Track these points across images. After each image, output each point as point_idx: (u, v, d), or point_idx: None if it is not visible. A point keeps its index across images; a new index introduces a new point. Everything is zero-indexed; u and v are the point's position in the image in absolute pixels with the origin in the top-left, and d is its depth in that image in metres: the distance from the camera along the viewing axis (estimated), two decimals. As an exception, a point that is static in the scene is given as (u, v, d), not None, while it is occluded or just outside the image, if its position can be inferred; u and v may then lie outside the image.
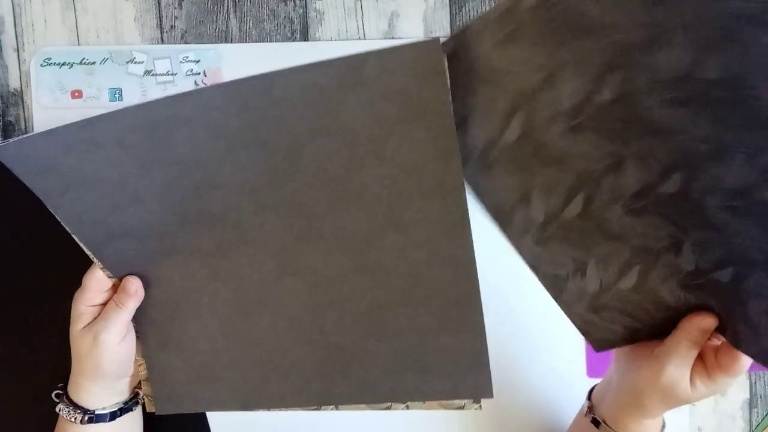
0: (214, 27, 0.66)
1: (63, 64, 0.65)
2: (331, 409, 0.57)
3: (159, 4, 0.65)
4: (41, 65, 0.65)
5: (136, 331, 0.56)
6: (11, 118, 0.65)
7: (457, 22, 0.65)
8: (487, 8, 0.65)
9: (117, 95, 0.65)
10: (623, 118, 0.42)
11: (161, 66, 0.65)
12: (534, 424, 0.65)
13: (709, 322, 0.48)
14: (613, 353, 0.55)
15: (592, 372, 0.65)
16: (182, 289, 0.54)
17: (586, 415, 0.55)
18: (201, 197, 0.50)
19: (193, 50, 0.65)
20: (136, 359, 0.56)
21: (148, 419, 0.60)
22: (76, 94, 0.65)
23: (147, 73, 0.65)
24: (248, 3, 0.65)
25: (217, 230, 0.52)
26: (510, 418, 0.65)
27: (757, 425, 0.66)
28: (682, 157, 0.41)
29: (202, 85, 0.65)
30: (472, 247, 0.49)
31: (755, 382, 0.66)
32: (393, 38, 0.65)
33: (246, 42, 0.66)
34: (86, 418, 0.54)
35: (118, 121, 0.47)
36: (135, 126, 0.48)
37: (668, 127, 0.41)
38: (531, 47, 0.42)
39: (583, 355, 0.65)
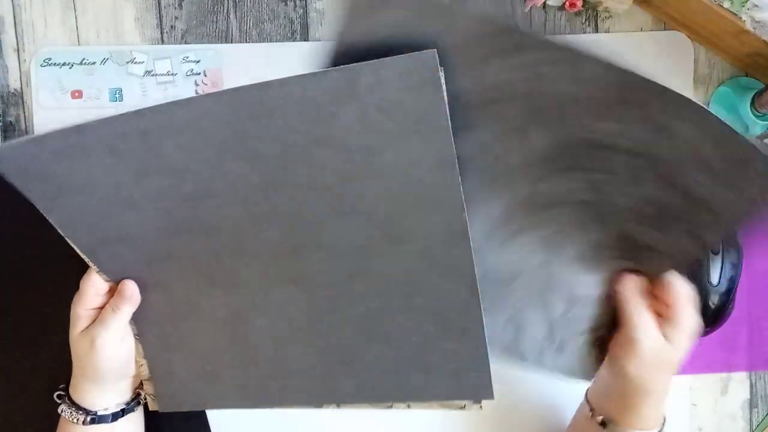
0: (214, 27, 0.66)
1: (63, 64, 0.65)
2: (333, 407, 0.57)
3: (159, 4, 0.65)
4: (41, 65, 0.65)
5: (137, 333, 0.56)
6: (11, 119, 0.65)
7: (457, 22, 0.65)
8: (487, 8, 0.65)
9: (117, 95, 0.65)
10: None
11: (161, 66, 0.65)
12: (534, 424, 0.65)
13: (631, 278, 0.51)
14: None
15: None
16: (181, 294, 0.54)
17: (591, 418, 0.55)
18: (195, 206, 0.50)
19: (193, 50, 0.65)
20: (136, 360, 0.56)
21: (149, 419, 0.60)
22: (76, 94, 0.65)
23: (147, 73, 0.65)
24: (248, 3, 0.65)
25: (213, 239, 0.51)
26: (510, 418, 0.65)
27: (757, 425, 0.66)
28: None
29: (202, 86, 0.65)
30: (472, 257, 0.49)
31: (755, 382, 0.66)
32: (393, 38, 0.65)
33: (246, 42, 0.66)
34: (88, 419, 0.54)
35: (108, 128, 0.47)
36: (125, 133, 0.47)
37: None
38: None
39: (583, 355, 0.65)
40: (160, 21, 0.65)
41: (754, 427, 0.66)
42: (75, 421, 0.54)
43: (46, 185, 0.49)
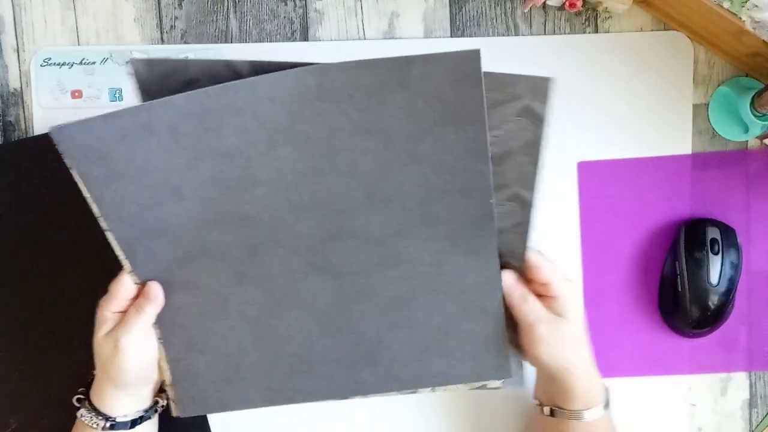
0: (214, 27, 0.66)
1: (63, 64, 0.65)
2: (359, 398, 0.58)
3: (159, 4, 0.65)
4: (41, 65, 0.65)
5: (161, 337, 0.55)
6: (11, 118, 0.65)
7: (457, 23, 0.65)
8: (487, 8, 0.65)
9: (117, 95, 0.65)
10: None
11: (161, 66, 0.65)
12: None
13: (506, 272, 0.54)
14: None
15: (592, 372, 0.65)
16: (209, 293, 0.55)
17: (542, 413, 0.57)
18: (238, 196, 0.51)
19: (193, 50, 0.65)
20: (160, 365, 0.56)
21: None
22: (76, 94, 0.65)
23: (147, 73, 0.65)
24: (248, 3, 0.65)
25: (250, 230, 0.53)
26: (511, 419, 0.65)
27: (757, 425, 0.66)
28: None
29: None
30: (495, 238, 0.53)
31: (755, 382, 0.66)
32: (393, 38, 0.65)
33: (246, 42, 0.66)
34: (108, 424, 0.54)
35: (175, 107, 0.48)
36: (190, 112, 0.48)
37: None
38: None
39: (583, 355, 0.65)
40: (160, 21, 0.65)
41: (753, 427, 0.66)
42: (94, 426, 0.54)
43: (104, 168, 0.50)
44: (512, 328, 0.55)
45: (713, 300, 0.62)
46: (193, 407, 0.58)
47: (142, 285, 0.54)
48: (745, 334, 0.66)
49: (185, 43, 0.65)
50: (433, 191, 0.51)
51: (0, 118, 0.65)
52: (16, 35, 0.65)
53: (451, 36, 0.65)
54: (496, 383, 0.57)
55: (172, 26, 0.66)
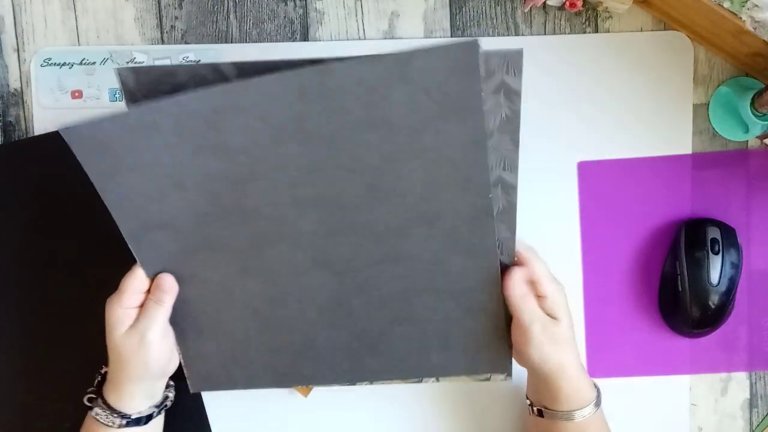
0: (214, 27, 0.66)
1: (63, 64, 0.65)
2: (366, 384, 0.60)
3: (159, 4, 0.65)
4: (41, 65, 0.65)
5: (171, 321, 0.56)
6: (11, 119, 0.65)
7: (457, 22, 0.65)
8: (487, 8, 0.65)
9: (117, 95, 0.65)
10: None
11: (161, 66, 0.65)
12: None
13: (513, 269, 0.54)
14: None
15: (592, 372, 0.65)
16: (214, 285, 0.56)
17: (531, 413, 0.58)
18: (241, 190, 0.52)
19: (193, 50, 0.65)
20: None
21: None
22: (76, 94, 0.65)
23: (147, 73, 0.65)
24: (248, 3, 0.65)
25: (251, 225, 0.53)
26: (510, 419, 0.65)
27: (757, 425, 0.66)
28: None
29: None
30: (495, 237, 0.53)
31: (755, 382, 0.66)
32: (393, 38, 0.65)
33: (246, 42, 0.66)
34: (124, 422, 0.55)
35: (181, 107, 0.49)
36: (195, 111, 0.49)
37: None
38: None
39: (583, 355, 0.65)
40: (160, 21, 0.65)
41: (754, 427, 0.66)
42: (110, 424, 0.54)
43: (109, 161, 0.50)
44: (506, 325, 0.56)
45: (713, 300, 0.62)
46: (203, 384, 0.60)
47: (151, 280, 0.55)
48: (745, 334, 0.66)
49: (185, 43, 0.65)
50: (433, 186, 0.52)
51: (0, 118, 0.65)
52: (16, 35, 0.65)
53: (451, 36, 0.65)
54: (500, 376, 0.59)
55: (172, 26, 0.66)
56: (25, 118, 0.65)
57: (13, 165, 0.63)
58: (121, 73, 0.49)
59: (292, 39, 0.66)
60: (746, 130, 0.65)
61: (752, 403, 0.66)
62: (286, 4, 0.65)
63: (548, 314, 0.54)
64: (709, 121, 0.65)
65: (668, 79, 0.65)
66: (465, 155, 0.50)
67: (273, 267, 0.55)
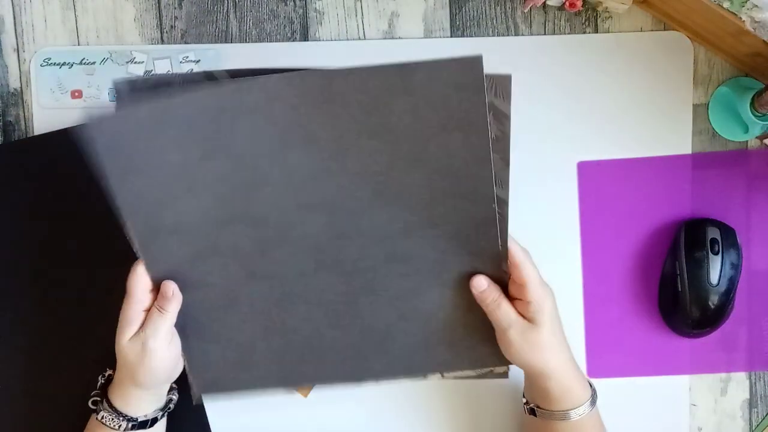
0: (214, 27, 0.66)
1: (63, 64, 0.65)
2: (371, 382, 0.61)
3: (159, 4, 0.65)
4: (41, 65, 0.65)
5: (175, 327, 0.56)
6: (11, 118, 0.65)
7: (457, 23, 0.65)
8: (487, 8, 0.65)
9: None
10: None
11: (161, 66, 0.65)
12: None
13: (479, 278, 0.55)
14: None
15: (592, 372, 0.65)
16: (219, 290, 0.56)
17: (527, 413, 0.58)
18: (249, 194, 0.52)
19: (193, 50, 0.65)
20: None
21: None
22: (76, 94, 0.65)
23: (147, 73, 0.65)
24: (248, 3, 0.65)
25: (259, 230, 0.54)
26: (512, 419, 0.65)
27: (757, 425, 0.66)
28: None
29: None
30: (498, 239, 0.54)
31: (755, 382, 0.66)
32: (393, 38, 0.65)
33: (246, 42, 0.66)
34: (129, 425, 0.55)
35: (191, 103, 0.49)
36: (205, 109, 0.49)
37: None
38: None
39: (583, 355, 0.65)
40: (160, 21, 0.65)
41: (753, 427, 0.66)
42: (116, 427, 0.55)
43: (122, 160, 0.51)
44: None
45: (713, 300, 0.62)
46: (207, 388, 0.60)
47: (157, 288, 0.55)
48: (745, 334, 0.66)
49: (185, 42, 0.65)
50: (438, 193, 0.52)
51: (0, 118, 0.65)
52: (16, 35, 0.65)
53: (451, 36, 0.65)
54: (501, 369, 0.60)
55: (172, 26, 0.66)
56: (25, 118, 0.65)
57: (13, 165, 0.63)
58: (116, 84, 0.50)
59: (292, 39, 0.66)
60: (746, 130, 0.65)
61: (752, 403, 0.66)
62: (286, 4, 0.65)
63: (531, 318, 0.54)
64: (709, 121, 0.65)
65: (668, 79, 0.65)
66: (469, 169, 0.51)
67: (280, 270, 0.55)
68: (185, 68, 0.65)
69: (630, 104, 0.65)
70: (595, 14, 0.65)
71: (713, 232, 0.63)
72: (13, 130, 0.65)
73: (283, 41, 0.66)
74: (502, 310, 0.55)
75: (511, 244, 0.55)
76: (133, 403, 0.55)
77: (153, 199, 0.52)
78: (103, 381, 0.58)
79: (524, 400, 0.59)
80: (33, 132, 0.65)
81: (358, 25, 0.65)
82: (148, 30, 0.65)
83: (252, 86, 0.49)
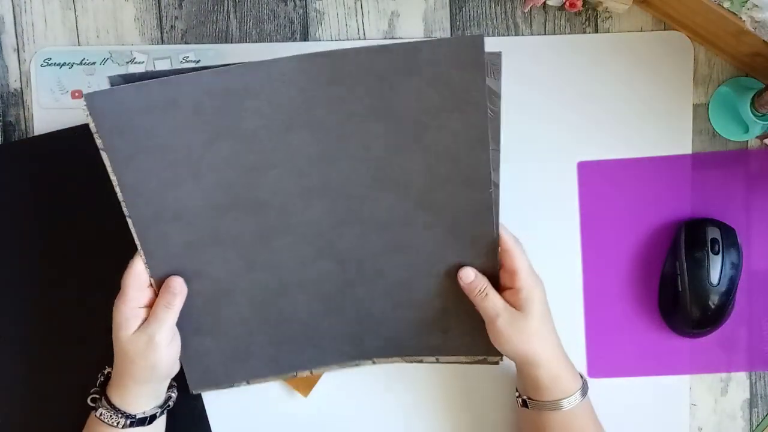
0: (214, 27, 0.66)
1: (63, 64, 0.65)
2: (370, 364, 0.61)
3: (159, 4, 0.65)
4: (41, 65, 0.65)
5: None
6: (11, 119, 0.65)
7: (457, 22, 0.65)
8: (487, 8, 0.65)
9: (117, 95, 0.65)
10: None
11: (161, 66, 0.65)
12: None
13: (465, 269, 0.56)
14: None
15: (592, 372, 0.65)
16: (217, 282, 0.56)
17: (520, 405, 0.58)
18: (253, 178, 0.52)
19: (193, 50, 0.65)
20: None
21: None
22: (76, 94, 0.65)
23: (147, 73, 0.65)
24: (248, 3, 0.65)
25: (261, 217, 0.54)
26: (510, 419, 0.65)
27: (757, 425, 0.66)
28: None
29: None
30: (493, 229, 0.54)
31: (755, 382, 0.66)
32: (393, 38, 0.65)
33: (246, 42, 0.66)
34: (128, 422, 0.55)
35: (200, 83, 0.49)
36: (212, 90, 0.49)
37: None
38: None
39: (583, 355, 0.65)
40: (160, 21, 0.65)
41: (754, 427, 0.66)
42: (115, 424, 0.55)
43: (128, 141, 0.50)
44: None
45: (713, 300, 0.62)
46: (202, 384, 0.60)
47: (154, 279, 0.54)
48: (745, 334, 0.66)
49: (185, 42, 0.65)
50: (436, 178, 0.53)
51: (0, 118, 0.65)
52: (16, 35, 0.65)
53: (451, 36, 0.65)
54: (495, 357, 0.60)
55: (172, 26, 0.66)
56: (25, 118, 0.65)
57: (13, 165, 0.63)
58: (112, 79, 0.49)
59: (292, 39, 0.66)
60: (746, 130, 0.65)
61: (752, 403, 0.66)
62: (286, 4, 0.65)
63: (520, 306, 0.55)
64: (709, 121, 0.65)
65: (668, 79, 0.65)
66: (467, 150, 0.51)
67: (279, 259, 0.56)
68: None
69: (630, 104, 0.65)
70: (595, 14, 0.65)
71: (713, 232, 0.63)
72: (13, 130, 0.65)
73: (283, 41, 0.66)
74: (489, 300, 0.55)
75: (502, 232, 0.55)
76: (131, 400, 0.55)
77: (157, 182, 0.52)
78: (102, 379, 0.58)
79: (517, 393, 0.59)
80: (33, 132, 0.65)
81: (358, 24, 0.65)
82: (148, 30, 0.65)
83: (259, 68, 0.49)
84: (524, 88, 0.64)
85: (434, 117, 0.51)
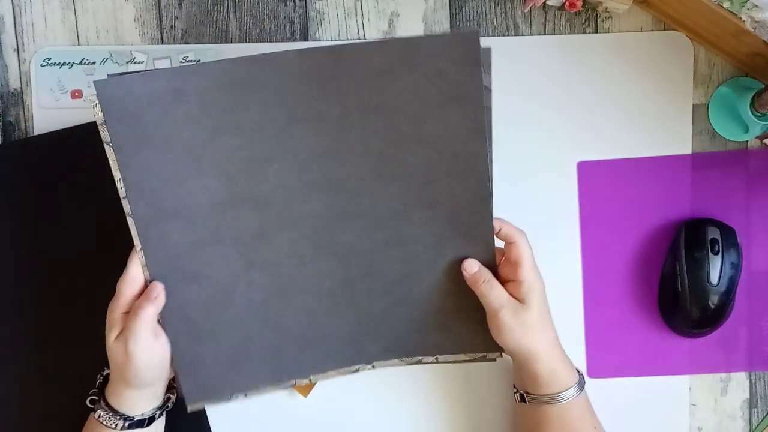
0: (214, 27, 0.66)
1: (63, 64, 0.65)
2: (369, 369, 0.60)
3: (159, 4, 0.65)
4: (41, 65, 0.65)
5: (165, 330, 0.55)
6: (11, 118, 0.65)
7: (457, 22, 0.65)
8: (487, 8, 0.65)
9: (117, 95, 0.65)
10: None
11: (161, 66, 0.65)
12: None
13: (469, 261, 0.56)
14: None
15: (592, 372, 0.65)
16: (216, 283, 0.56)
17: (518, 401, 0.58)
18: (255, 172, 0.53)
19: (193, 50, 0.65)
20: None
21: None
22: (76, 94, 0.65)
23: (147, 73, 0.65)
24: (248, 3, 0.65)
25: (262, 213, 0.54)
26: (509, 417, 0.65)
27: (757, 425, 0.66)
28: None
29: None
30: (492, 222, 0.55)
31: (755, 382, 0.66)
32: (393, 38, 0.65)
33: (246, 42, 0.66)
34: (126, 424, 0.54)
35: (206, 75, 0.50)
36: (219, 82, 0.50)
37: None
38: None
39: (583, 355, 0.65)
40: (160, 21, 0.65)
41: (754, 427, 0.66)
42: (113, 426, 0.54)
43: (134, 132, 0.51)
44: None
45: (713, 300, 0.62)
46: (200, 398, 0.58)
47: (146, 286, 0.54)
48: (745, 334, 0.66)
49: (185, 42, 0.65)
50: (435, 172, 0.53)
51: (0, 118, 0.65)
52: (16, 35, 0.65)
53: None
54: (494, 354, 0.59)
55: (172, 26, 0.66)
56: (25, 118, 0.65)
57: (13, 165, 0.63)
58: (96, 85, 0.49)
59: (292, 39, 0.66)
60: (746, 130, 0.65)
61: (752, 403, 0.66)
62: (285, 4, 0.65)
63: (522, 299, 0.55)
64: (709, 121, 0.65)
65: (668, 79, 0.65)
66: (465, 145, 0.52)
67: (279, 257, 0.56)
68: (185, 68, 0.65)
69: (630, 104, 0.65)
70: (595, 14, 0.65)
71: (713, 232, 0.63)
72: (13, 130, 0.65)
73: (283, 41, 0.66)
74: (494, 291, 0.55)
75: (506, 226, 0.55)
76: (127, 402, 0.55)
77: (161, 177, 0.52)
78: (101, 380, 0.58)
79: (514, 389, 0.59)
80: (33, 132, 0.65)
81: (358, 25, 0.65)
82: (148, 30, 0.65)
83: (265, 61, 0.50)
84: (524, 88, 0.64)
85: (432, 110, 0.51)
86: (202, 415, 0.64)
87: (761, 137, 0.65)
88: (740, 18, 0.58)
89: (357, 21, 0.65)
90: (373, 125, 0.52)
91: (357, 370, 0.60)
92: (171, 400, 0.58)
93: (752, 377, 0.66)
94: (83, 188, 0.63)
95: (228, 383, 0.58)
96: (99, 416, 0.55)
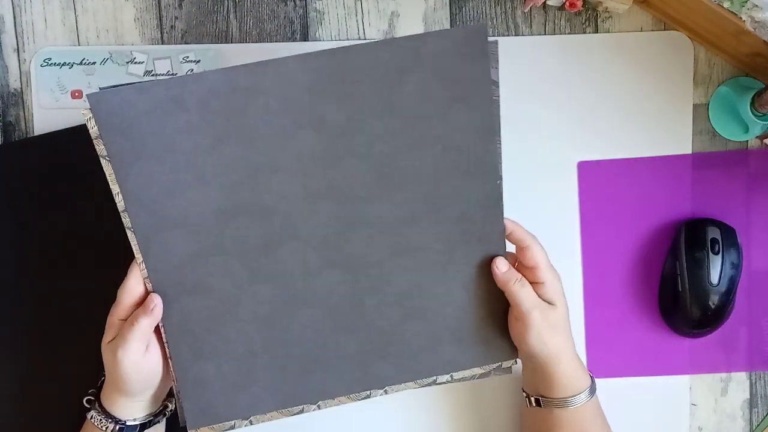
0: (214, 27, 0.66)
1: (63, 64, 0.65)
2: (381, 395, 0.57)
3: (159, 4, 0.65)
4: (41, 65, 0.65)
5: (167, 345, 0.54)
6: (11, 119, 0.65)
7: (457, 22, 0.65)
8: (487, 8, 0.65)
9: (117, 95, 0.65)
10: None
11: (161, 66, 0.65)
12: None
13: (500, 259, 0.55)
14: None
15: (592, 371, 0.65)
16: (220, 295, 0.54)
17: (528, 405, 0.58)
18: (258, 181, 0.52)
19: (193, 50, 0.65)
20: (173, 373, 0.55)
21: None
22: (76, 94, 0.65)
23: (147, 73, 0.65)
24: (248, 3, 0.65)
25: (266, 222, 0.53)
26: (510, 419, 0.65)
27: (757, 425, 0.66)
28: None
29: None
30: (503, 222, 0.54)
31: (755, 382, 0.66)
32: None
33: (246, 42, 0.66)
34: (117, 427, 0.54)
35: (205, 82, 0.49)
36: (218, 90, 0.49)
37: None
38: None
39: (583, 356, 0.65)
40: (160, 21, 0.65)
41: (754, 427, 0.66)
42: (104, 429, 0.54)
43: (131, 143, 0.50)
44: (498, 309, 0.56)
45: (713, 300, 0.62)
46: (201, 418, 0.56)
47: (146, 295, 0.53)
48: (745, 334, 0.66)
49: (185, 43, 0.65)
50: (443, 173, 0.52)
51: (0, 118, 0.65)
52: (16, 35, 0.65)
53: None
54: (508, 363, 0.58)
55: (172, 26, 0.66)
56: (25, 118, 0.65)
57: (13, 165, 0.63)
58: (90, 98, 0.48)
59: (292, 39, 0.66)
60: (746, 130, 0.65)
61: (752, 403, 0.66)
62: (286, 4, 0.65)
63: (549, 299, 0.54)
64: (709, 121, 0.65)
65: (668, 79, 0.65)
66: (475, 141, 0.51)
67: (285, 269, 0.54)
68: (185, 68, 0.65)
69: (630, 104, 0.65)
70: (595, 14, 0.65)
71: (713, 232, 0.63)
72: (13, 130, 0.65)
73: (283, 41, 0.66)
74: (526, 290, 0.54)
75: (518, 229, 0.55)
76: (116, 406, 0.54)
77: (160, 188, 0.51)
78: (101, 381, 0.57)
79: (525, 394, 0.59)
80: (33, 132, 0.65)
81: (358, 25, 0.65)
82: (148, 30, 0.65)
83: (266, 67, 0.49)
84: (524, 88, 0.64)
85: (440, 111, 0.51)
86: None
87: (761, 137, 0.65)
88: (740, 18, 0.58)
89: (357, 21, 0.65)
90: (379, 129, 0.51)
91: (368, 396, 0.57)
92: (168, 408, 0.58)
93: (752, 377, 0.66)
94: (83, 188, 0.63)
95: (231, 405, 0.56)
96: (91, 417, 0.55)
